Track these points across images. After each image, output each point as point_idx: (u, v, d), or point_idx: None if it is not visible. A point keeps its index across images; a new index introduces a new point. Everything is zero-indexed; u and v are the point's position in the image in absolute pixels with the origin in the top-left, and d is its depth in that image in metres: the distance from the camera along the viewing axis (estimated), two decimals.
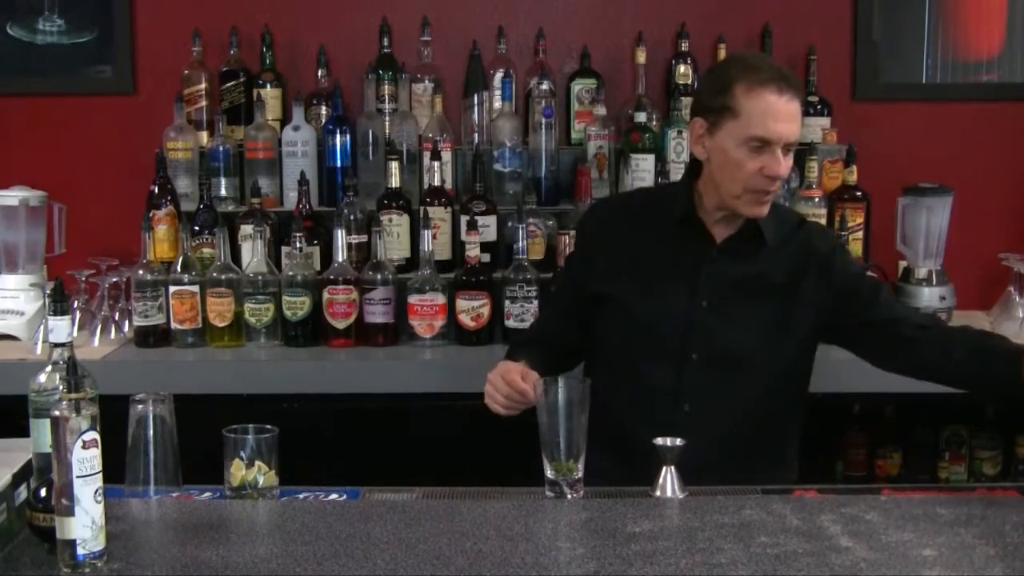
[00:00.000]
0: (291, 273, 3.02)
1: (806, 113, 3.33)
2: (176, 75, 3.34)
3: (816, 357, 2.96)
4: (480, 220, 3.03)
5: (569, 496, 1.91)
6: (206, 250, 3.11)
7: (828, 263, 2.27)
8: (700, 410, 2.19)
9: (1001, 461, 3.25)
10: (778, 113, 2.14)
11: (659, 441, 1.95)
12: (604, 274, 2.31)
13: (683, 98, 3.29)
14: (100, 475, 1.57)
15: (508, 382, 2.12)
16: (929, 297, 3.18)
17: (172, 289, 3.00)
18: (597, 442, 2.19)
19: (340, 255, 3.00)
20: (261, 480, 1.89)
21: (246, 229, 3.09)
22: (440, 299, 3.00)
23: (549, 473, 1.93)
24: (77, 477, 1.54)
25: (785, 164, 2.16)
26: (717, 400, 2.21)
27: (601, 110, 3.25)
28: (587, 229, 2.44)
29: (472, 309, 3.00)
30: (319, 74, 3.34)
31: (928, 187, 3.23)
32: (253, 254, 3.03)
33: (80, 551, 1.56)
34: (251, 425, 1.90)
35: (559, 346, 2.38)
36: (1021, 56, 3.49)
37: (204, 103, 3.33)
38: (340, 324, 3.01)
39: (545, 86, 3.26)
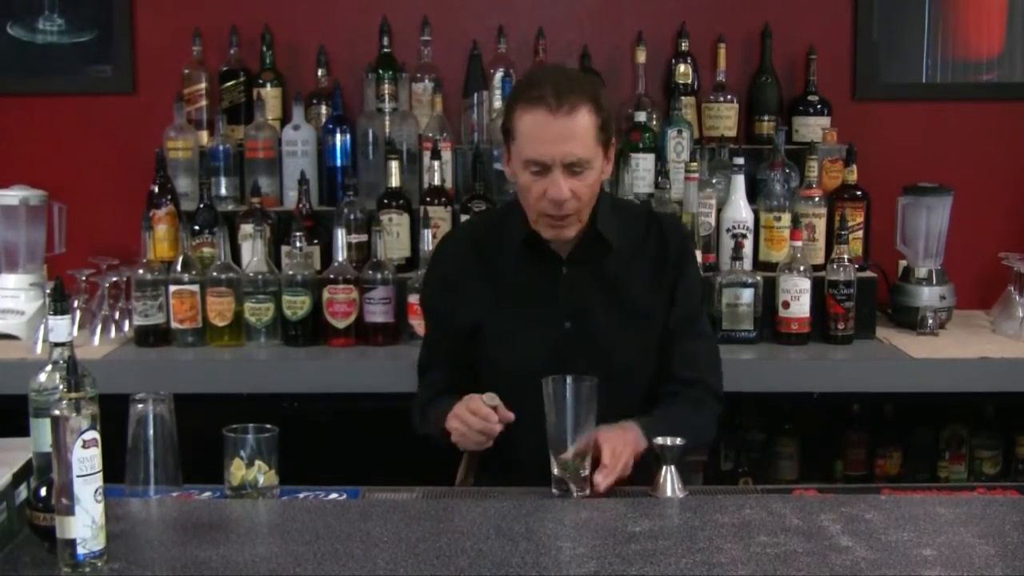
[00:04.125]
0: (291, 273, 3.02)
1: (805, 112, 3.36)
2: (176, 75, 3.34)
3: (815, 357, 2.98)
4: None
5: (576, 494, 1.91)
6: (206, 249, 3.11)
7: (681, 261, 2.26)
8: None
9: (1001, 461, 3.26)
10: (548, 133, 2.03)
11: (659, 441, 1.95)
12: (469, 310, 2.26)
13: (683, 98, 3.29)
14: (100, 475, 1.57)
15: (474, 410, 2.05)
16: (929, 297, 3.18)
17: (172, 289, 3.00)
18: (495, 462, 2.20)
19: (340, 255, 3.00)
20: (261, 480, 1.89)
21: (246, 229, 3.09)
22: None
23: (556, 471, 1.93)
24: (77, 477, 1.54)
25: (569, 187, 2.06)
26: (604, 411, 2.05)
27: None
28: (441, 270, 2.34)
29: None
30: (319, 74, 3.34)
31: (928, 187, 3.23)
32: (253, 254, 3.03)
33: (80, 551, 1.56)
34: (251, 425, 1.90)
35: (461, 392, 2.26)
36: (1021, 56, 3.49)
37: (204, 103, 3.33)
38: (340, 324, 3.01)
39: None
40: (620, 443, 1.98)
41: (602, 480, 1.91)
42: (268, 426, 1.91)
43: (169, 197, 3.13)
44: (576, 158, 2.06)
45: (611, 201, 2.33)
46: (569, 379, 1.93)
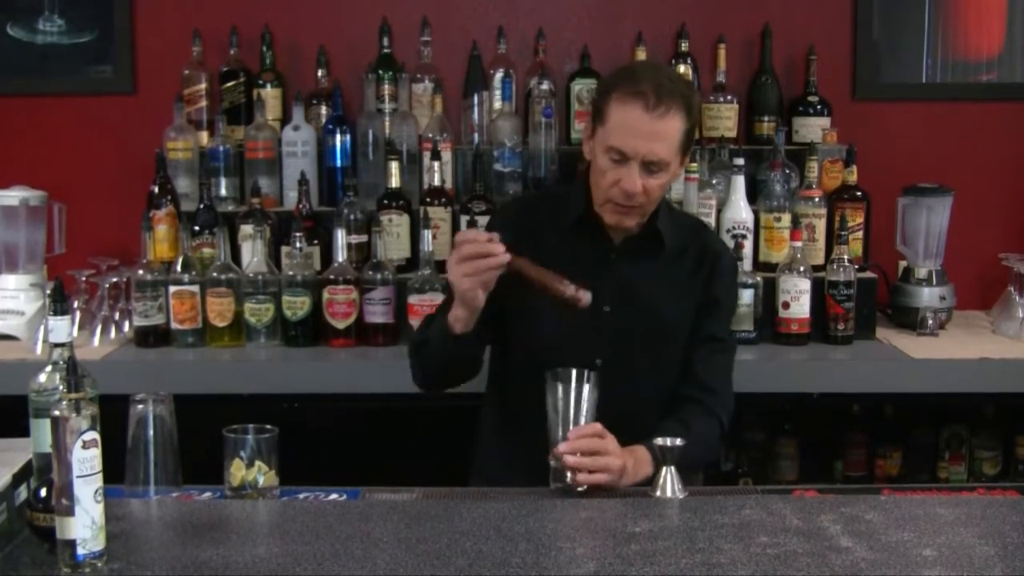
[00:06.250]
0: (291, 273, 3.02)
1: (805, 113, 3.36)
2: (176, 75, 3.34)
3: (815, 357, 2.98)
4: (480, 220, 3.02)
5: (573, 486, 1.91)
6: (206, 250, 3.11)
7: (717, 277, 2.30)
8: (607, 409, 2.01)
9: (1001, 461, 3.25)
10: (639, 128, 2.09)
11: (659, 441, 1.95)
12: (510, 278, 2.23)
13: None
14: (100, 475, 1.57)
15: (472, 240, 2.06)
16: (929, 297, 3.18)
17: (172, 289, 3.00)
18: (509, 444, 2.21)
19: (340, 255, 3.00)
20: (261, 480, 1.89)
21: (246, 229, 3.09)
22: (440, 299, 2.99)
23: (553, 463, 1.93)
24: (77, 477, 1.54)
25: (643, 183, 2.12)
26: (624, 400, 2.12)
27: None
28: (496, 231, 2.32)
29: None
30: (319, 74, 3.34)
31: (928, 187, 3.23)
32: (253, 254, 3.03)
33: (80, 551, 1.56)
34: (251, 425, 1.90)
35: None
36: (1021, 56, 3.49)
37: (204, 103, 3.33)
38: (340, 324, 3.01)
39: (545, 86, 3.26)
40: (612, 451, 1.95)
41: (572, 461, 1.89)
42: (268, 426, 1.91)
43: (169, 197, 3.13)
44: (658, 158, 2.11)
45: (667, 205, 2.37)
46: (568, 372, 1.93)
